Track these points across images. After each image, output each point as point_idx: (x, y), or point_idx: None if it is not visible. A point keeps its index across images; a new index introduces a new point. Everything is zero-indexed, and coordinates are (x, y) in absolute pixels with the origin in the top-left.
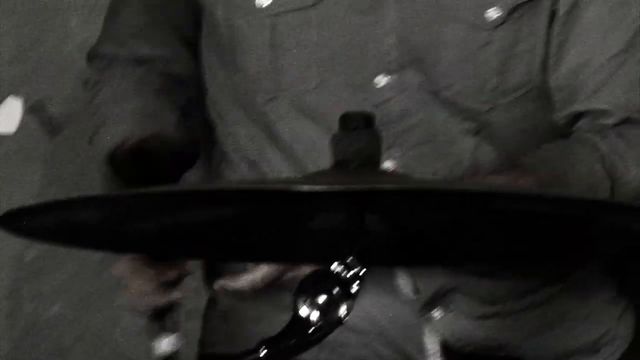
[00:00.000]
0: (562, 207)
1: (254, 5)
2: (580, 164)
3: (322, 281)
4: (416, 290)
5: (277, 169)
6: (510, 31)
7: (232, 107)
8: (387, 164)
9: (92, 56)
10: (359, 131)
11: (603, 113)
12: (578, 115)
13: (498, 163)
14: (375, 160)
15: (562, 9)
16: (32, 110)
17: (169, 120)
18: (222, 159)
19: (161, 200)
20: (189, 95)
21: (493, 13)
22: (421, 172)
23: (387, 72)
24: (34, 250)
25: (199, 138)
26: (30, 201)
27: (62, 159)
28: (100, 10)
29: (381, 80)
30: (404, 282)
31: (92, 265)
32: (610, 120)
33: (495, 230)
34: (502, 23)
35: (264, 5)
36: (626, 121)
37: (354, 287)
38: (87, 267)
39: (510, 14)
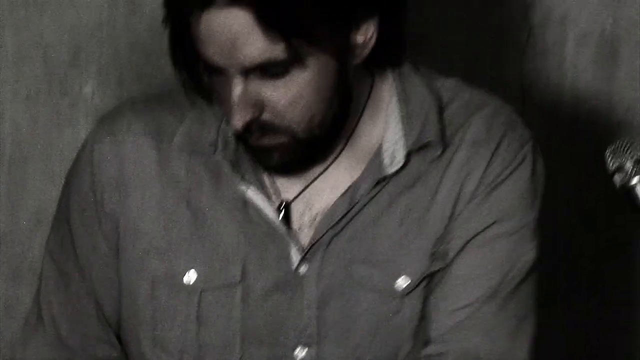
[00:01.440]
0: None
1: (180, 282)
2: None
3: None
4: None
5: None
6: (419, 297)
7: None
8: None
9: None
10: None
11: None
12: None
13: None
14: None
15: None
16: None
17: None
18: None
19: None
20: None
21: (402, 282)
22: None
23: (306, 344)
24: None
25: None
26: None
27: None
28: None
29: (300, 353)
30: None
31: None
32: None
33: None
34: (412, 291)
35: (191, 282)
36: None
37: None
38: None
39: (419, 282)
